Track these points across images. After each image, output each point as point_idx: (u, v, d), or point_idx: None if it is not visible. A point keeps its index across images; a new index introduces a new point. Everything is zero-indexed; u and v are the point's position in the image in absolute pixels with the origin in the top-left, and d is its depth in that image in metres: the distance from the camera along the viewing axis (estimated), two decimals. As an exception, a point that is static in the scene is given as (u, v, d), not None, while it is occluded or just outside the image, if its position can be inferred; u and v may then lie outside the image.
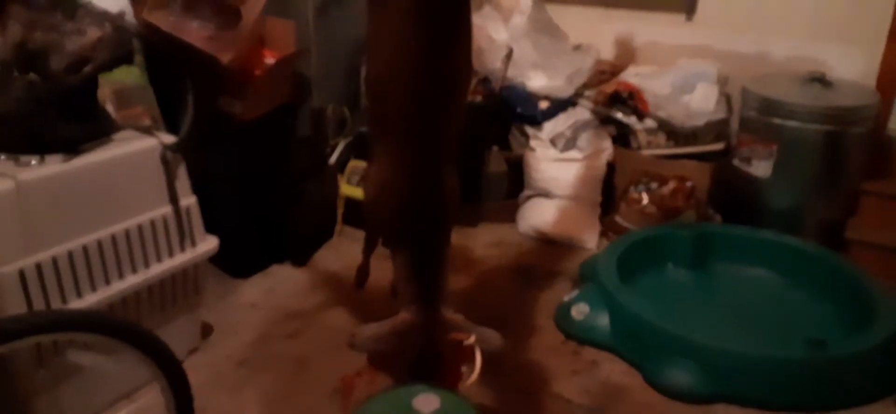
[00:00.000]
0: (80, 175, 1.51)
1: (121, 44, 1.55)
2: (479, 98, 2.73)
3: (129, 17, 1.91)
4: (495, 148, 2.77)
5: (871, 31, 2.51)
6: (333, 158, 2.55)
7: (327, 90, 2.51)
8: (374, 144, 1.57)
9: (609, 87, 2.68)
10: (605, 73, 2.90)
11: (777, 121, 2.34)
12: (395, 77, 1.42)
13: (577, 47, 2.91)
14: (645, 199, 2.44)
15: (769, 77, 2.53)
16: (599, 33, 2.98)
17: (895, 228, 2.28)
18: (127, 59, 1.64)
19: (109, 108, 1.94)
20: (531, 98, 2.74)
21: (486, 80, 2.78)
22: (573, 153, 2.60)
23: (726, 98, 2.68)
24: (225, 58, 2.02)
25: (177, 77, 1.98)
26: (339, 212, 2.60)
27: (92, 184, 1.55)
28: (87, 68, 1.50)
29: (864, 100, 2.34)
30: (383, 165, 1.49)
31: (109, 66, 1.58)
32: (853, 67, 2.56)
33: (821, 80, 2.41)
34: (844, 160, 2.33)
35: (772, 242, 2.25)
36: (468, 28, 1.48)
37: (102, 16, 1.54)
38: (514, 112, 2.75)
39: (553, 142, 2.66)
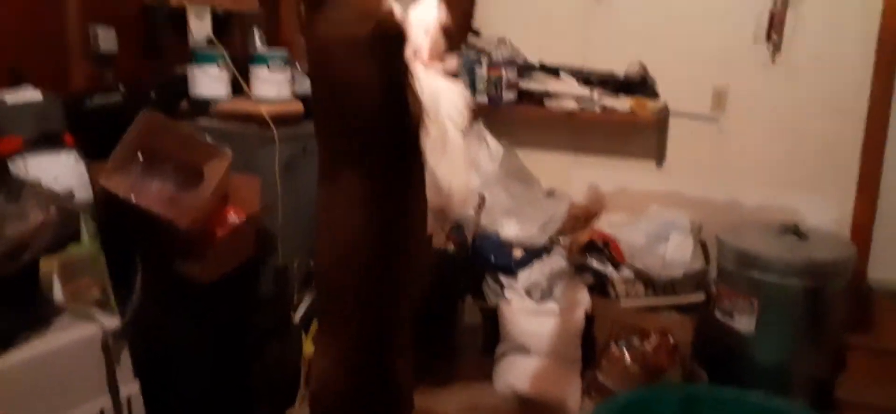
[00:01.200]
0: (9, 374, 1.35)
1: (65, 226, 1.43)
2: (451, 246, 2.64)
3: (83, 186, 1.81)
4: (469, 298, 2.66)
5: (841, 181, 2.54)
6: (298, 317, 2.40)
7: (293, 244, 2.39)
8: (320, 335, 1.46)
9: (583, 236, 2.63)
10: (578, 218, 2.86)
11: (755, 274, 2.29)
12: (346, 265, 1.35)
13: (550, 193, 2.88)
14: (627, 356, 2.33)
15: (743, 227, 2.51)
16: (570, 178, 2.96)
17: (885, 384, 2.21)
18: (72, 239, 1.51)
19: (55, 281, 1.80)
20: (505, 247, 2.66)
21: (458, 228, 2.71)
22: (550, 304, 2.51)
23: (702, 246, 2.65)
24: (184, 222, 1.91)
25: (132, 244, 1.85)
26: (303, 374, 2.42)
27: (23, 382, 1.38)
28: (26, 256, 1.37)
29: (840, 253, 2.33)
30: (330, 360, 1.38)
31: (52, 249, 1.44)
32: (825, 216, 2.57)
33: (795, 232, 2.39)
34: (827, 314, 2.28)
35: (761, 406, 2.14)
36: (425, 204, 1.42)
37: (49, 197, 1.43)
38: (488, 261, 2.66)
39: (529, 292, 2.56)
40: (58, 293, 1.65)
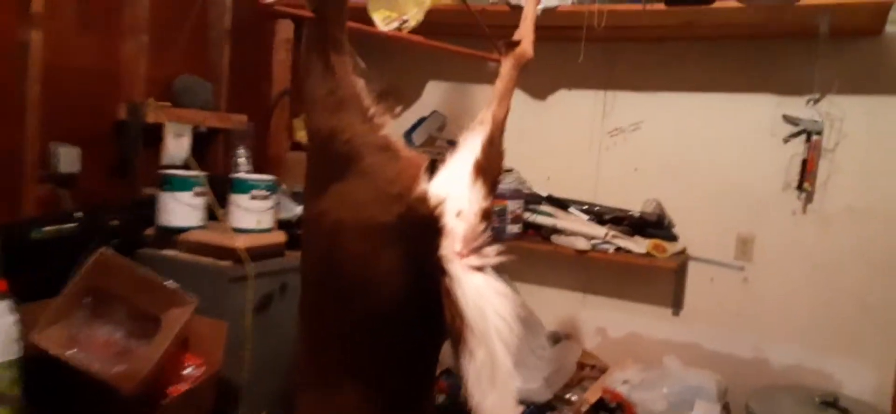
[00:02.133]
0: None
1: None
2: (442, 397, 2.35)
3: (9, 342, 1.54)
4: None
5: (881, 344, 2.26)
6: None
7: (262, 396, 2.10)
8: None
9: (593, 395, 2.33)
10: (586, 366, 2.58)
11: (793, 457, 1.99)
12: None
13: (556, 338, 2.60)
14: None
15: (774, 394, 2.22)
16: (578, 321, 2.69)
17: None
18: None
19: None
20: (504, 400, 2.36)
21: (447, 373, 2.42)
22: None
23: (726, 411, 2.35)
24: (128, 388, 1.63)
25: (68, 407, 1.57)
26: None
27: None
28: None
29: (889, 437, 2.03)
30: None
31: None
32: (863, 383, 2.28)
33: (835, 405, 2.10)
34: None
35: None
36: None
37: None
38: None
39: (530, 456, 2.25)
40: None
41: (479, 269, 1.03)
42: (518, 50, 1.50)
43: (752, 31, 2.32)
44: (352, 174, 1.06)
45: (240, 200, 2.09)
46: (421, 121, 2.84)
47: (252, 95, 2.64)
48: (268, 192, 2.12)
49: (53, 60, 1.95)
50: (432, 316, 1.04)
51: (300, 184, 2.72)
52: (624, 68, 2.60)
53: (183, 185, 2.04)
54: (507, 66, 1.47)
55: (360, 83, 1.13)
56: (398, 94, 2.98)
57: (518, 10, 2.23)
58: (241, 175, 2.18)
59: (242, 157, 2.49)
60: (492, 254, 1.06)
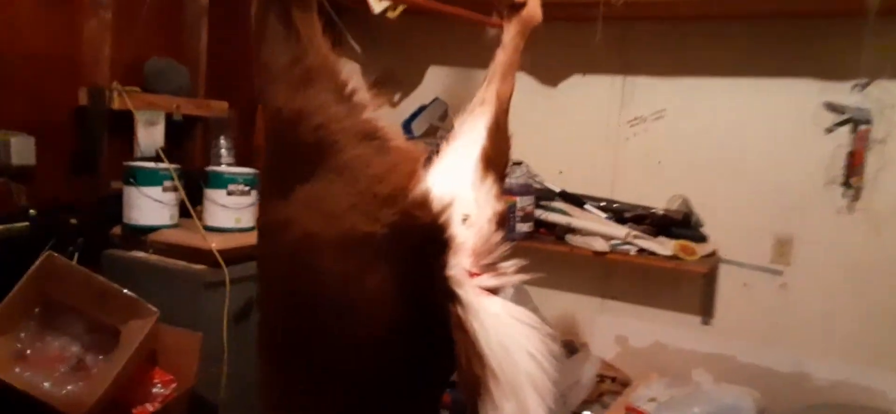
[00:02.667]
0: None
1: None
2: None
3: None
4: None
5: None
6: None
7: (242, 411, 1.87)
8: None
9: (616, 413, 2.09)
10: (606, 379, 2.33)
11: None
12: None
13: (571, 348, 2.36)
14: None
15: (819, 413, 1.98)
16: (594, 326, 2.45)
17: None
18: None
19: None
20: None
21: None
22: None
23: (764, 433, 2.10)
24: (78, 410, 1.39)
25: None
26: None
27: None
28: None
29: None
30: None
31: None
32: (917, 401, 2.03)
33: (889, 429, 1.86)
34: None
35: None
36: None
37: None
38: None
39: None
40: None
41: (495, 291, 0.78)
42: (523, 12, 1.21)
43: (790, 7, 2.07)
44: (326, 171, 0.82)
45: (216, 196, 1.86)
46: (421, 109, 2.60)
47: (235, 81, 2.39)
48: (248, 187, 1.89)
49: (3, 40, 1.72)
50: (434, 357, 0.81)
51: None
52: (645, 50, 2.35)
53: (151, 178, 1.81)
54: (511, 33, 1.19)
55: (333, 53, 0.88)
56: (396, 80, 2.74)
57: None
58: (218, 168, 1.94)
59: (223, 149, 2.25)
60: (511, 271, 0.81)
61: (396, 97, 2.76)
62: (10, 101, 1.75)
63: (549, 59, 2.48)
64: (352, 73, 0.87)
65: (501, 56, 1.15)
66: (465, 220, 0.83)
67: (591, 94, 2.43)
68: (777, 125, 2.18)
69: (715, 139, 2.26)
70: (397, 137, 0.88)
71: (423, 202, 0.79)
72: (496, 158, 0.96)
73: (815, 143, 2.12)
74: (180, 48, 2.20)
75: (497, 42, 1.20)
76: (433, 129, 2.60)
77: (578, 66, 2.45)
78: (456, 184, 0.88)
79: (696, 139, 2.28)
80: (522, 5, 1.20)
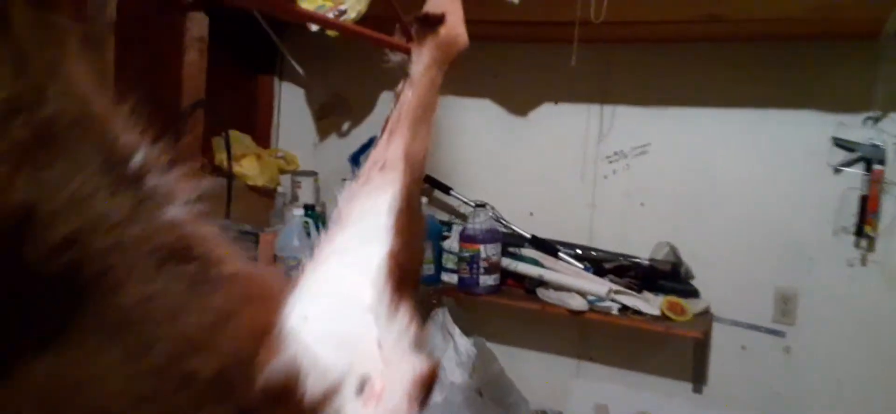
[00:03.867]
0: None
1: None
2: None
3: None
4: None
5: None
6: None
7: None
8: None
9: None
10: (583, 456, 2.01)
11: None
12: None
13: (543, 420, 2.04)
14: None
15: None
16: (570, 391, 2.13)
17: None
18: None
19: None
20: None
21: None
22: None
23: None
24: None
25: None
26: None
27: None
28: None
29: None
30: None
31: None
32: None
33: None
34: None
35: None
36: None
37: None
38: None
39: None
40: None
41: None
42: (442, 32, 0.85)
43: (794, 30, 1.80)
44: (85, 331, 0.45)
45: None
46: (372, 140, 2.26)
47: (150, 110, 2.04)
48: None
49: None
50: None
51: (222, 220, 2.14)
52: (626, 76, 2.06)
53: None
54: (423, 62, 0.84)
55: (104, 94, 0.52)
56: (345, 107, 2.41)
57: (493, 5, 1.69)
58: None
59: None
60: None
61: (345, 126, 2.43)
62: None
63: (517, 84, 2.18)
64: (134, 137, 0.51)
65: (410, 96, 0.79)
66: (361, 389, 0.49)
67: (564, 125, 2.13)
68: (779, 163, 1.89)
69: (707, 178, 1.97)
70: (235, 257, 0.53)
71: (287, 388, 0.44)
72: (410, 263, 0.62)
73: (822, 185, 1.84)
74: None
75: (403, 73, 0.86)
76: (385, 163, 2.27)
77: (550, 93, 2.15)
78: (346, 330, 0.54)
79: (685, 178, 1.99)
80: (439, 21, 0.85)
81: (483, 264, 1.96)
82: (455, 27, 0.84)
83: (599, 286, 1.87)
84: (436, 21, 0.82)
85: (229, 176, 2.25)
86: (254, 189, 2.30)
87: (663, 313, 1.85)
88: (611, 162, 2.08)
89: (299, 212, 2.03)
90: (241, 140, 2.36)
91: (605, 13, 1.60)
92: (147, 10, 2.02)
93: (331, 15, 1.76)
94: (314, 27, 1.81)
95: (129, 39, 1.92)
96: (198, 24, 2.17)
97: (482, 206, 2.03)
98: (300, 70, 2.41)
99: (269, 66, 2.49)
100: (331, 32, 1.83)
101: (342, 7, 1.77)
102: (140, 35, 1.98)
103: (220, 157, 2.27)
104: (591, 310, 1.88)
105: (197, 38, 2.17)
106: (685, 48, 1.97)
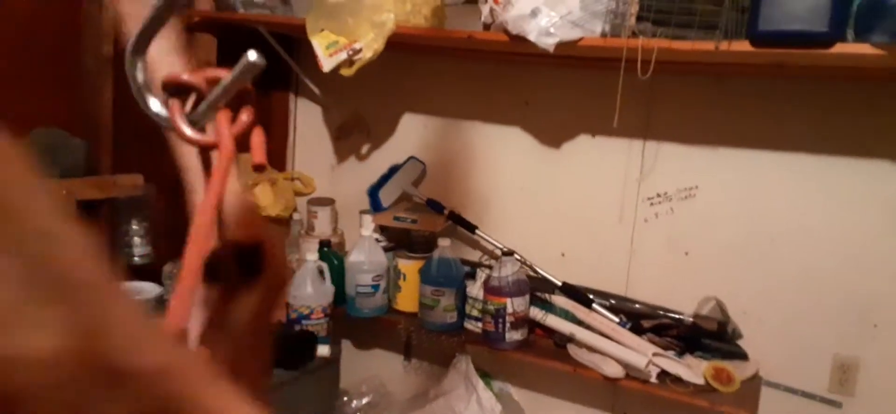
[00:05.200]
0: None
1: None
2: None
3: None
4: None
5: None
6: None
7: None
8: None
9: None
10: None
11: None
12: None
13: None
14: None
15: None
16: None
17: None
18: None
19: None
20: None
21: None
22: None
23: None
24: None
25: None
26: None
27: None
28: None
29: None
30: None
31: None
32: None
33: None
34: None
35: None
36: None
37: None
38: None
39: None
40: None
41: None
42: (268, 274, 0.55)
43: (868, 66, 1.56)
44: None
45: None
46: (393, 170, 2.11)
47: (157, 144, 1.91)
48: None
49: None
50: None
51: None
52: (672, 108, 1.85)
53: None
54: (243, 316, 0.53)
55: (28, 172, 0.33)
56: (364, 128, 2.25)
57: (521, 41, 1.50)
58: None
59: (136, 237, 1.78)
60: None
61: (364, 149, 2.27)
62: None
63: (551, 112, 1.99)
64: (77, 236, 0.33)
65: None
66: None
67: (602, 160, 1.94)
68: (844, 215, 1.69)
69: (761, 228, 1.77)
70: None
71: None
72: None
73: (891, 240, 1.63)
74: (76, 111, 1.71)
75: None
76: (405, 196, 2.11)
77: (587, 124, 1.95)
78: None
79: (736, 226, 1.80)
80: (258, 261, 0.55)
81: (509, 319, 1.82)
82: (279, 260, 0.56)
83: (638, 356, 1.70)
84: (256, 262, 0.54)
85: (242, 205, 2.12)
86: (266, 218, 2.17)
87: (707, 381, 1.69)
88: (653, 204, 1.89)
89: (313, 258, 1.89)
90: (247, 163, 2.23)
91: (654, 65, 1.40)
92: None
93: (344, 54, 1.59)
94: (327, 68, 1.64)
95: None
96: (205, 47, 2.02)
97: (510, 254, 1.87)
98: (316, 90, 2.25)
99: (283, 81, 2.33)
100: (345, 71, 1.66)
101: (357, 46, 1.60)
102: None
103: (232, 186, 2.14)
104: (628, 376, 1.72)
105: (204, 62, 2.01)
106: (741, 83, 1.75)
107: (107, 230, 1.77)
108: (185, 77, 0.50)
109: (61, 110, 1.68)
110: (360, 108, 2.25)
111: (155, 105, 0.51)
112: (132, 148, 1.83)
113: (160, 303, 1.48)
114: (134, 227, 1.77)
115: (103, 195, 1.72)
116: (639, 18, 1.38)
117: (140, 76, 0.50)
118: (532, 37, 1.39)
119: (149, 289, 1.48)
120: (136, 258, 1.76)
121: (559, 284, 1.91)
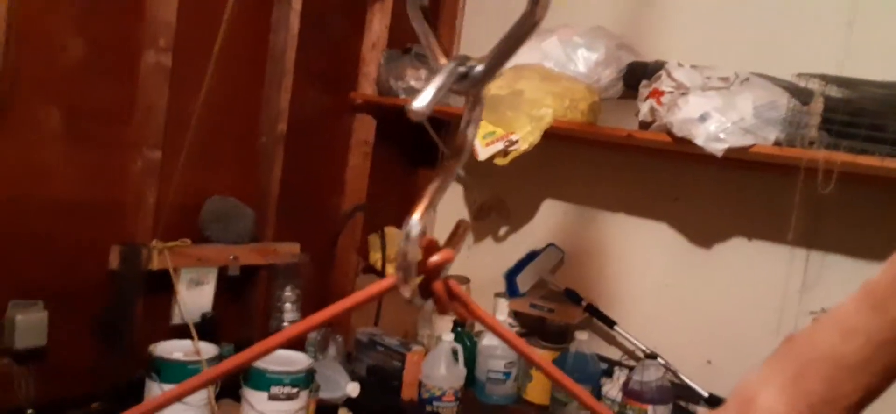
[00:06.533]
0: None
1: None
2: None
3: None
4: None
5: None
6: None
7: None
8: None
9: None
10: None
11: None
12: None
13: None
14: None
15: None
16: None
17: None
18: None
19: None
20: None
21: None
22: None
23: None
24: None
25: None
26: None
27: None
28: None
29: None
30: None
31: None
32: None
33: None
34: None
35: None
36: None
37: None
38: None
39: None
40: None
41: None
42: None
43: None
44: None
45: (254, 399, 1.46)
46: (531, 256, 2.10)
47: (313, 215, 2.03)
48: (295, 389, 1.47)
49: (25, 187, 1.43)
50: None
51: (370, 327, 2.07)
52: (842, 217, 1.72)
53: (177, 374, 1.44)
54: None
55: None
56: (504, 211, 2.26)
57: (685, 143, 1.46)
58: (260, 365, 1.53)
59: (288, 303, 1.87)
60: None
61: (502, 231, 2.28)
62: (28, 259, 1.46)
63: (702, 211, 1.91)
64: None
65: None
66: None
67: (759, 267, 1.82)
68: None
69: None
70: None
71: None
72: None
73: None
74: (249, 183, 1.85)
75: None
76: (542, 284, 2.09)
77: (743, 226, 1.85)
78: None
79: None
80: None
81: (646, 428, 1.72)
82: None
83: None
84: None
85: (382, 277, 2.19)
86: (404, 293, 2.22)
87: None
88: (814, 318, 1.74)
89: (449, 338, 1.90)
90: (397, 237, 2.30)
91: (836, 179, 1.31)
92: (315, 113, 2.01)
93: (501, 144, 1.63)
94: (482, 157, 1.68)
95: (296, 147, 1.92)
96: (365, 127, 2.14)
97: (653, 356, 1.78)
98: (461, 171, 2.30)
99: (430, 159, 2.41)
100: (500, 161, 1.69)
101: (513, 137, 1.63)
102: (308, 141, 1.97)
103: (375, 257, 2.22)
104: None
105: (362, 141, 2.13)
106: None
107: (264, 290, 1.88)
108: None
109: (237, 181, 1.83)
110: (500, 190, 2.27)
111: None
112: (296, 216, 1.95)
113: (310, 376, 1.53)
114: (287, 293, 1.87)
115: (263, 261, 1.84)
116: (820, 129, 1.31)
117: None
118: (700, 141, 1.35)
119: (299, 359, 1.54)
120: (285, 323, 1.84)
121: (705, 395, 1.80)
